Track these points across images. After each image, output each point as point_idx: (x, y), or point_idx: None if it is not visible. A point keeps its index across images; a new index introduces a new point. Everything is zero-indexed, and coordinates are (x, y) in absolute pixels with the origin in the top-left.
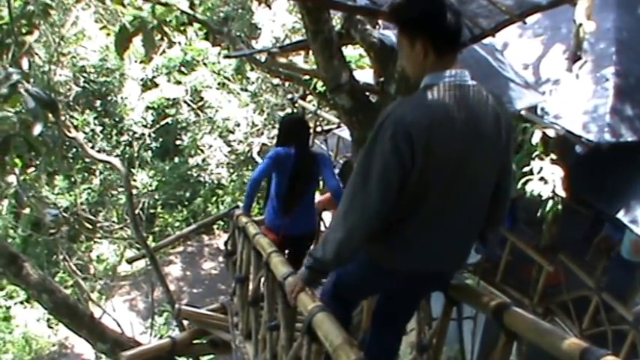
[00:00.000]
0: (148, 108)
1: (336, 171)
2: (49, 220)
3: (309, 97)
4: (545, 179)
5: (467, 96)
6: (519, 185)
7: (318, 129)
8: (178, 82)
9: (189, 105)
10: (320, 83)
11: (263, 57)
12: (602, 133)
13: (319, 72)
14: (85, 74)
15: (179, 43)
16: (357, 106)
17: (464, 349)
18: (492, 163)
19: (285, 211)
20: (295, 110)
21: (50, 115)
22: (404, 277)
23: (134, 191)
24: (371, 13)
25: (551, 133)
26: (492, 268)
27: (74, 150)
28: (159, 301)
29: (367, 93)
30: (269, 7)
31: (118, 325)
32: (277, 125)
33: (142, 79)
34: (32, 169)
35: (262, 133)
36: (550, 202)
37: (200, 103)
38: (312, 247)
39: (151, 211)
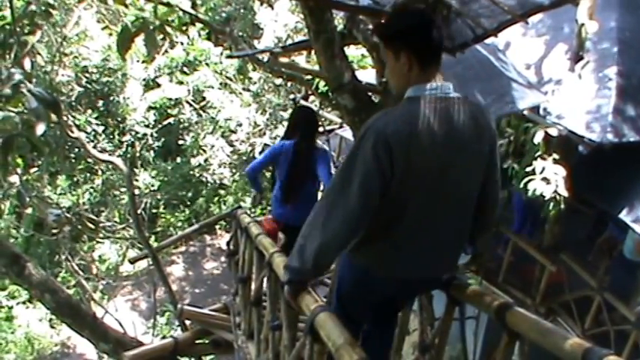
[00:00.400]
0: (150, 108)
1: None
2: (51, 220)
3: (312, 98)
4: (548, 179)
5: (448, 108)
6: (521, 185)
7: (320, 129)
8: (180, 82)
9: (191, 105)
10: (322, 83)
11: (265, 57)
12: (605, 133)
13: (321, 72)
14: (87, 74)
15: (181, 43)
16: (360, 106)
17: (466, 348)
18: (474, 173)
19: (285, 200)
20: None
21: (53, 115)
22: (398, 284)
23: (136, 191)
24: (373, 13)
25: (553, 132)
26: (495, 268)
27: (76, 150)
28: (161, 301)
29: (370, 93)
30: (271, 7)
31: (120, 325)
32: (280, 125)
33: (144, 79)
34: (34, 169)
35: (264, 133)
36: (552, 202)
37: (202, 103)
38: None
39: (154, 211)
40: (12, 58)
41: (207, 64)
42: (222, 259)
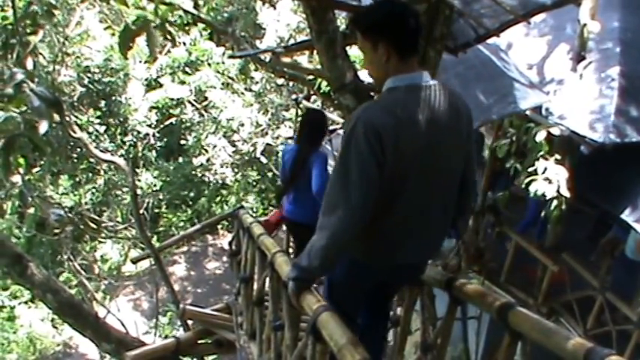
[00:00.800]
0: (152, 108)
1: None
2: (53, 220)
3: (314, 97)
4: (550, 179)
5: (428, 95)
6: (523, 185)
7: None
8: (182, 82)
9: (193, 105)
10: (324, 83)
11: (267, 57)
12: (607, 134)
13: (323, 72)
14: (89, 74)
15: (183, 43)
16: None
17: (468, 348)
18: (457, 155)
19: (286, 194)
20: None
21: (55, 115)
22: (387, 270)
23: (138, 191)
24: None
25: (555, 132)
26: (497, 268)
27: (79, 150)
28: (163, 300)
29: (372, 93)
30: (273, 7)
31: (123, 325)
32: (282, 125)
33: (146, 79)
34: (37, 168)
35: (266, 133)
36: (554, 202)
37: (204, 103)
38: None
39: (156, 211)
40: (14, 58)
41: (209, 64)
42: (224, 258)
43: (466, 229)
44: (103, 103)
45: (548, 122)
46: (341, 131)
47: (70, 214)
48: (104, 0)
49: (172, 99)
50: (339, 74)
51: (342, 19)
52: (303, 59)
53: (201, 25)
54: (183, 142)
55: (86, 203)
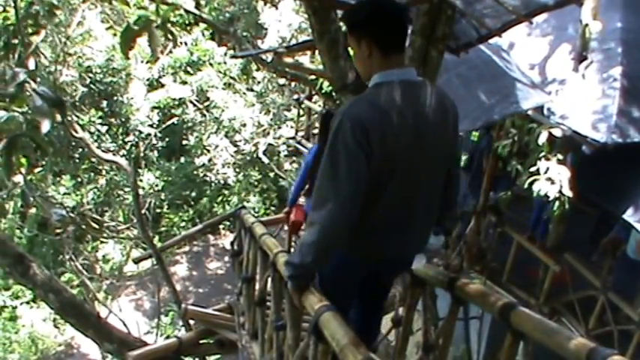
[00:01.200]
0: (153, 108)
1: None
2: (55, 220)
3: (315, 97)
4: (552, 179)
5: (414, 91)
6: (526, 185)
7: None
8: (184, 82)
9: (195, 105)
10: (326, 83)
11: (269, 57)
12: (609, 134)
13: (325, 72)
14: (91, 74)
15: (185, 43)
16: None
17: (470, 348)
18: (443, 151)
19: (305, 196)
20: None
21: (57, 115)
22: (376, 264)
23: (140, 191)
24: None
25: (557, 133)
26: (499, 268)
27: (80, 150)
28: (165, 300)
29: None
30: (275, 7)
31: (124, 324)
32: (284, 125)
33: (147, 79)
34: (39, 168)
35: (268, 133)
36: (557, 202)
37: (206, 103)
38: None
39: (157, 210)
40: (16, 58)
41: (210, 64)
42: (226, 258)
43: (454, 225)
44: (104, 103)
45: (550, 122)
46: None
47: (71, 214)
48: (106, 0)
49: (174, 99)
50: (341, 74)
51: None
52: (304, 59)
53: (202, 25)
54: (184, 142)
55: (88, 203)
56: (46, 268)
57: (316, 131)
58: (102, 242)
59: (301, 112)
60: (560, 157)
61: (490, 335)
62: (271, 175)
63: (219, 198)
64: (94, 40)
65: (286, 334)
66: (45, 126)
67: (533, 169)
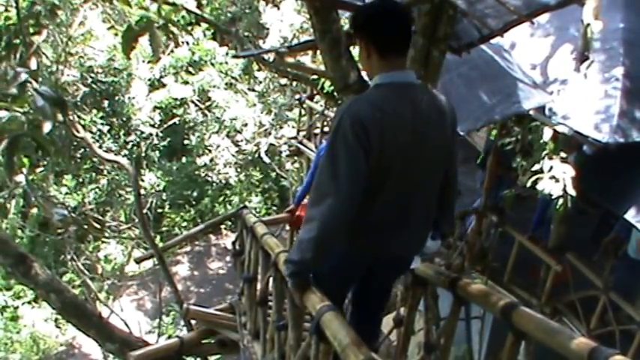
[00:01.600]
0: (155, 108)
1: None
2: (56, 220)
3: (317, 97)
4: (556, 178)
5: (412, 94)
6: (529, 184)
7: (326, 129)
8: (186, 82)
9: (196, 105)
10: (327, 83)
11: (271, 57)
12: (611, 134)
13: (327, 72)
14: (92, 74)
15: (186, 43)
16: None
17: (471, 348)
18: (441, 153)
19: None
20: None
21: (59, 115)
22: (370, 263)
23: (142, 191)
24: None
25: (560, 130)
26: (500, 268)
27: (82, 150)
28: (166, 300)
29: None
30: (277, 7)
31: (126, 324)
32: (285, 125)
33: (149, 79)
34: (40, 168)
35: (270, 133)
36: (561, 201)
37: (207, 103)
38: None
39: (159, 210)
40: (18, 58)
41: (212, 64)
42: (228, 258)
43: (451, 230)
44: (106, 102)
45: (551, 122)
46: None
47: (73, 214)
48: (107, 0)
49: (175, 99)
50: (343, 74)
51: (345, 19)
52: (306, 59)
53: (204, 25)
54: (186, 142)
55: (89, 203)
56: (47, 268)
57: (317, 131)
58: (103, 242)
59: (303, 112)
60: (563, 155)
61: (492, 335)
62: (273, 175)
63: (221, 198)
64: (95, 40)
65: (288, 334)
66: (46, 126)
67: (536, 167)
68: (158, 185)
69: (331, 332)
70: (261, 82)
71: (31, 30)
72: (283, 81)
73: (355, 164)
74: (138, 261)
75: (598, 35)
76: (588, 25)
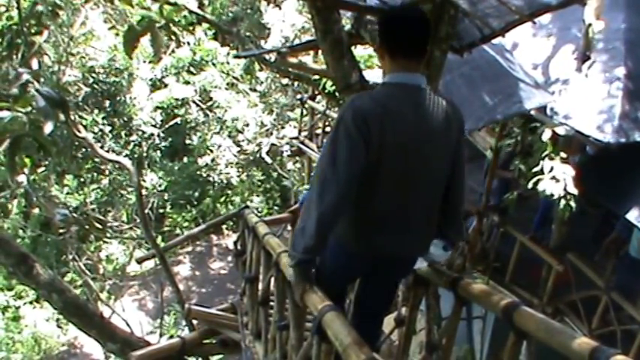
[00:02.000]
0: (156, 108)
1: None
2: (58, 220)
3: (319, 97)
4: (557, 178)
5: (418, 96)
6: (530, 185)
7: (328, 129)
8: (187, 82)
9: (198, 105)
10: (329, 83)
11: (272, 57)
12: (613, 133)
13: (329, 72)
14: (93, 74)
15: (188, 43)
16: None
17: (473, 348)
18: (443, 159)
19: None
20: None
21: (60, 115)
22: (370, 260)
23: (143, 191)
24: (381, 13)
25: (561, 131)
26: (501, 268)
27: (83, 150)
28: (168, 300)
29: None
30: (278, 7)
31: (127, 324)
32: (287, 125)
33: (150, 79)
34: (42, 169)
35: (271, 133)
36: (562, 201)
37: (209, 103)
38: None
39: (160, 210)
40: (19, 58)
41: (213, 64)
42: (229, 258)
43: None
44: (107, 103)
45: (553, 122)
46: None
47: (74, 214)
48: (108, 0)
49: (177, 99)
50: (345, 74)
51: (347, 19)
52: (308, 59)
53: (205, 25)
54: (188, 142)
55: (91, 203)
56: (49, 268)
57: (319, 131)
58: (105, 242)
59: (304, 112)
60: (563, 155)
61: (493, 335)
62: (274, 175)
63: (222, 198)
64: (96, 40)
65: (289, 334)
66: (48, 127)
67: (536, 168)
68: (160, 185)
69: (333, 332)
70: (262, 82)
71: (33, 30)
72: (285, 81)
73: (355, 152)
74: (139, 261)
75: (600, 35)
76: (590, 25)
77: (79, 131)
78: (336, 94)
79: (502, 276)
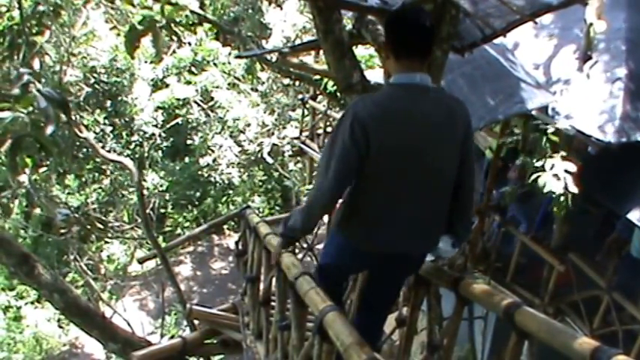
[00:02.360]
0: (158, 108)
1: None
2: (59, 220)
3: (320, 97)
4: (558, 175)
5: (423, 96)
6: (530, 181)
7: (329, 129)
8: (188, 82)
9: (199, 105)
10: (330, 83)
11: (273, 57)
12: (614, 133)
13: (330, 72)
14: (95, 74)
15: (189, 43)
16: None
17: (474, 348)
18: (448, 159)
19: None
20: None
21: (62, 115)
22: (374, 257)
23: (144, 191)
24: (382, 13)
25: (563, 130)
26: (503, 268)
27: (85, 150)
28: (169, 300)
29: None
30: (280, 7)
31: (129, 325)
32: (288, 125)
33: (152, 79)
34: (43, 169)
35: (273, 133)
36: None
37: (210, 103)
38: None
39: (162, 211)
40: (21, 58)
41: (215, 64)
42: (231, 258)
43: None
44: (109, 103)
45: (554, 122)
46: None
47: (76, 214)
48: (110, 0)
49: (178, 99)
50: (346, 74)
51: (348, 19)
52: (309, 59)
53: (207, 25)
54: (189, 142)
55: (92, 203)
56: (50, 268)
57: (320, 131)
58: (106, 242)
59: (306, 112)
60: (564, 153)
61: (494, 335)
62: (276, 175)
63: (224, 198)
64: (98, 40)
65: (291, 334)
66: (49, 128)
67: (538, 164)
68: (161, 185)
69: (334, 332)
70: (264, 83)
71: (34, 30)
72: (286, 81)
73: (346, 160)
74: (141, 261)
75: (601, 35)
76: (591, 24)
77: (81, 131)
78: (338, 94)
79: (503, 276)
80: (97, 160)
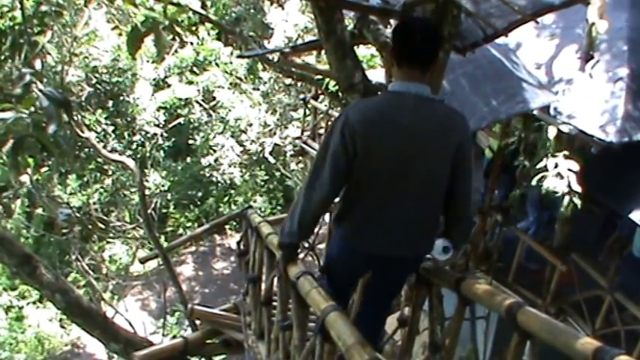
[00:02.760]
0: (160, 108)
1: None
2: (61, 220)
3: (322, 97)
4: (561, 175)
5: (416, 106)
6: (533, 182)
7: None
8: (190, 82)
9: (201, 105)
10: (332, 83)
11: (275, 57)
12: (616, 133)
13: (332, 72)
14: (97, 74)
15: (191, 43)
16: None
17: (476, 348)
18: (437, 166)
19: None
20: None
21: (64, 115)
22: (370, 259)
23: (146, 191)
24: (383, 13)
25: (565, 129)
26: (505, 268)
27: (87, 150)
28: (171, 300)
29: (379, 93)
30: (281, 7)
31: (130, 325)
32: (290, 125)
33: (154, 79)
34: (45, 169)
35: (274, 133)
36: (567, 198)
37: (212, 103)
38: None
39: (163, 211)
40: (22, 58)
41: (217, 64)
42: (232, 258)
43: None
44: (110, 103)
45: (556, 122)
46: None
47: (78, 214)
48: (111, 0)
49: (180, 99)
50: (348, 74)
51: (350, 19)
52: (311, 59)
53: (208, 25)
54: (191, 142)
55: (94, 203)
56: (52, 268)
57: (322, 131)
58: (108, 242)
59: (307, 112)
60: (566, 152)
61: (496, 335)
62: (277, 175)
63: (226, 198)
64: (100, 40)
65: (292, 334)
66: (51, 128)
67: (540, 165)
68: (163, 185)
69: (336, 332)
70: (265, 82)
71: (36, 30)
72: (288, 81)
73: (336, 164)
74: (142, 261)
75: (603, 35)
76: (593, 24)
77: (82, 131)
78: (339, 93)
79: (505, 276)
80: (99, 160)
